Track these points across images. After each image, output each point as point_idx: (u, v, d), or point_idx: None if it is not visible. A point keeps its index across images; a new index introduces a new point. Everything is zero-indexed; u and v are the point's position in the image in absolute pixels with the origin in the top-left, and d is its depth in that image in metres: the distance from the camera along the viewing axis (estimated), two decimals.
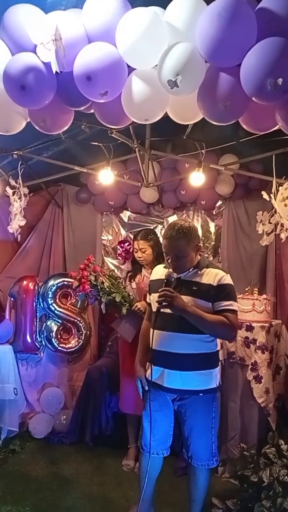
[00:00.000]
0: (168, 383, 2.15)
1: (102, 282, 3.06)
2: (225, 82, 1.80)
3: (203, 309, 2.06)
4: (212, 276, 2.12)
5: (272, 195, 2.85)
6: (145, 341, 2.27)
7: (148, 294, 2.36)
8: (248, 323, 2.99)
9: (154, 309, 2.16)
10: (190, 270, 2.16)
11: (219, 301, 2.08)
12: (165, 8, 1.86)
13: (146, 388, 2.25)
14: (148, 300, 2.36)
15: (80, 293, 3.15)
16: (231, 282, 2.15)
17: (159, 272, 2.27)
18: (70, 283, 3.51)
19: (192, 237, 2.12)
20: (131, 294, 3.16)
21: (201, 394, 2.15)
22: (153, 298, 2.20)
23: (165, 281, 2.11)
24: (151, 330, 2.15)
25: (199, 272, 2.14)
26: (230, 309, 2.08)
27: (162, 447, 2.28)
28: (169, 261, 2.16)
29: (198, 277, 2.13)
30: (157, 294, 2.06)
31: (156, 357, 2.15)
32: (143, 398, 2.30)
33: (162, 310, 2.06)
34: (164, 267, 2.26)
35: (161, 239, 3.76)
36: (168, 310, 2.06)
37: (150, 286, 2.32)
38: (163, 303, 2.02)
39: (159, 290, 2.06)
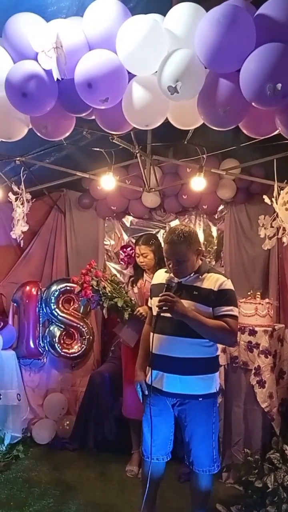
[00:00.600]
0: (167, 387, 2.15)
1: (104, 287, 3.06)
2: (225, 88, 1.81)
3: (204, 314, 2.07)
4: (213, 281, 2.12)
5: (273, 199, 2.85)
6: (146, 345, 2.27)
7: (149, 298, 2.36)
8: (251, 327, 2.99)
9: (154, 313, 2.17)
10: (191, 275, 2.16)
11: (220, 306, 2.09)
12: (164, 15, 1.87)
13: (146, 392, 2.24)
14: (149, 304, 2.37)
15: (82, 298, 3.16)
16: (232, 287, 2.15)
17: (160, 276, 2.28)
18: (73, 288, 3.52)
19: (193, 242, 2.13)
20: (133, 298, 3.16)
21: (201, 399, 2.15)
22: (154, 302, 2.21)
23: (165, 285, 2.12)
24: (151, 334, 2.15)
25: (200, 277, 2.15)
26: (231, 315, 2.08)
27: (162, 453, 2.27)
28: (170, 265, 2.16)
29: (199, 282, 2.14)
30: (158, 299, 2.06)
31: (155, 361, 2.15)
32: (143, 403, 2.29)
33: (162, 314, 2.07)
34: (166, 271, 2.27)
35: (163, 244, 3.79)
36: (168, 314, 2.06)
37: (151, 290, 2.33)
38: (164, 308, 2.02)
39: (160, 294, 2.07)
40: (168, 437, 2.28)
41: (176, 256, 2.12)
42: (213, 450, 2.21)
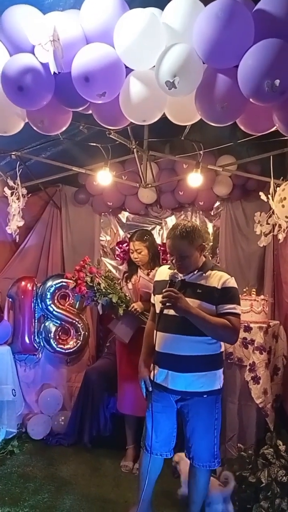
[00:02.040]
0: (172, 385, 2.15)
1: (99, 283, 3.06)
2: (223, 83, 1.81)
3: (208, 311, 2.06)
4: (216, 278, 2.12)
5: (269, 196, 2.85)
6: (149, 341, 2.27)
7: (152, 295, 2.35)
8: (246, 324, 2.99)
9: (158, 310, 2.16)
10: (195, 272, 2.16)
11: (223, 304, 2.08)
12: (162, 9, 1.86)
13: (150, 389, 2.24)
14: (152, 301, 2.35)
15: (77, 294, 3.15)
16: (235, 285, 2.15)
17: (164, 273, 2.26)
18: (68, 284, 3.51)
19: (196, 237, 2.12)
20: (127, 294, 3.16)
21: (205, 396, 2.15)
22: (157, 299, 2.20)
23: (169, 281, 2.11)
24: (155, 331, 2.15)
25: (204, 274, 2.14)
26: (233, 313, 2.08)
27: (165, 449, 2.27)
28: (173, 261, 2.16)
29: (203, 280, 2.13)
30: (161, 295, 2.06)
31: (160, 359, 2.16)
32: (147, 399, 2.29)
33: (165, 312, 2.07)
34: (169, 267, 2.25)
35: (157, 240, 3.80)
36: (171, 312, 2.06)
37: (154, 287, 2.32)
38: (167, 304, 2.02)
39: (163, 290, 2.06)
40: (171, 434, 2.28)
41: (178, 251, 2.11)
42: (214, 446, 2.22)
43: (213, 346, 2.15)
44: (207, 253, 4.03)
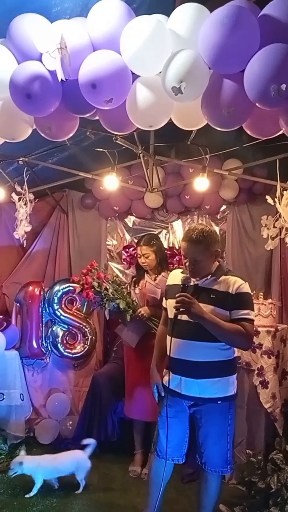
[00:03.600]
0: (186, 391, 2.13)
1: (106, 289, 3.06)
2: (229, 89, 1.81)
3: (221, 317, 2.04)
4: (230, 284, 2.10)
5: (276, 200, 2.85)
6: (161, 346, 2.26)
7: (164, 299, 2.34)
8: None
9: (170, 315, 2.15)
10: (208, 277, 2.14)
11: (237, 310, 2.06)
12: (168, 16, 1.88)
13: (162, 394, 2.23)
14: (164, 305, 2.34)
15: (84, 298, 3.16)
16: (249, 290, 2.14)
17: (177, 277, 2.23)
18: (75, 288, 3.52)
19: (212, 242, 2.10)
20: (134, 299, 3.16)
21: (220, 402, 2.13)
22: (170, 304, 2.19)
23: (181, 286, 2.10)
24: (168, 337, 2.14)
25: (217, 279, 2.12)
26: (247, 318, 2.06)
27: (177, 454, 2.25)
28: (186, 264, 2.14)
29: (217, 285, 2.11)
30: (174, 300, 2.04)
31: (173, 365, 2.15)
32: (159, 404, 2.28)
33: (179, 317, 2.06)
34: (182, 272, 2.23)
35: (164, 244, 3.80)
36: (185, 318, 2.05)
37: (166, 291, 2.30)
38: (181, 309, 2.01)
39: (176, 295, 2.04)
40: (183, 439, 2.26)
41: (192, 255, 2.09)
42: (227, 452, 2.20)
43: (226, 352, 2.13)
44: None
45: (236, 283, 2.09)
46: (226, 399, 2.15)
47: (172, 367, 2.15)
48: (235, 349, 2.21)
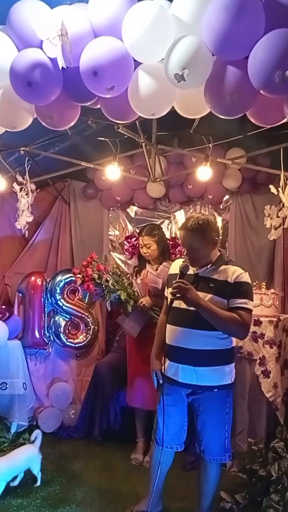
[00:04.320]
0: (182, 378, 2.15)
1: (107, 280, 3.06)
2: (233, 75, 1.78)
3: (219, 305, 2.05)
4: (230, 273, 2.11)
5: (280, 189, 2.83)
6: (161, 335, 2.28)
7: (166, 288, 2.35)
8: (256, 318, 2.98)
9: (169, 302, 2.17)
10: (208, 266, 2.15)
11: (234, 298, 2.07)
12: (171, 1, 1.84)
13: (161, 381, 2.25)
14: (165, 294, 2.35)
15: (85, 290, 3.16)
16: (248, 280, 2.14)
17: (178, 266, 2.23)
18: (76, 280, 3.52)
19: (208, 230, 2.12)
20: (136, 290, 3.16)
21: (216, 390, 2.15)
22: (168, 292, 2.20)
23: (179, 273, 2.11)
24: (167, 325, 2.16)
25: (217, 269, 2.14)
26: (244, 307, 2.07)
27: (176, 442, 2.28)
28: (184, 253, 2.18)
29: (216, 274, 2.13)
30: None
31: (171, 352, 2.16)
32: (158, 392, 2.30)
33: (177, 305, 2.08)
34: (184, 261, 2.24)
35: (166, 234, 3.79)
36: (183, 306, 2.06)
37: (168, 280, 2.32)
38: (176, 295, 2.02)
39: (173, 282, 2.06)
40: (182, 427, 2.29)
41: (189, 243, 2.12)
42: (226, 440, 2.22)
43: (224, 341, 2.14)
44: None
45: (235, 273, 2.10)
46: (223, 387, 2.17)
47: (169, 354, 2.16)
48: (233, 338, 2.22)
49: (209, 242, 2.13)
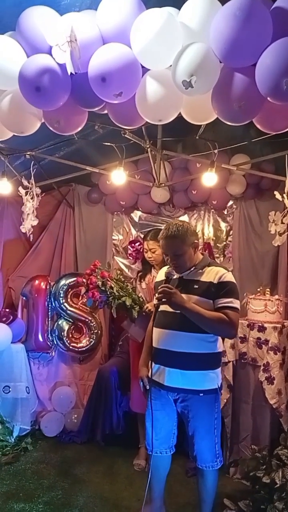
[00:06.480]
0: (168, 381, 2.16)
1: (111, 287, 3.06)
2: (240, 82, 1.79)
3: (205, 306, 2.07)
4: (213, 274, 2.14)
5: (284, 195, 2.83)
6: (150, 341, 2.28)
7: (154, 295, 2.37)
8: (260, 324, 2.98)
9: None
10: (192, 269, 2.19)
11: (219, 298, 2.09)
12: (179, 9, 1.85)
13: (148, 387, 2.25)
14: (153, 302, 2.37)
15: (89, 298, 3.17)
16: (232, 279, 2.16)
17: (163, 272, 2.29)
18: (80, 289, 3.52)
19: (188, 235, 2.15)
20: (140, 295, 3.16)
21: (201, 394, 2.15)
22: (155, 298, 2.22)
23: (165, 278, 2.15)
24: (154, 328, 2.17)
25: (200, 271, 2.17)
26: (230, 306, 2.08)
27: (165, 446, 2.28)
28: (168, 260, 2.20)
29: (200, 276, 2.16)
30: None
31: (157, 355, 2.17)
32: (146, 397, 2.31)
33: (164, 308, 2.11)
34: (168, 268, 2.28)
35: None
36: (170, 309, 2.08)
37: (154, 287, 2.35)
38: (162, 300, 2.04)
39: (159, 287, 2.09)
40: (171, 431, 2.29)
41: (172, 250, 2.16)
42: (215, 445, 2.22)
43: (211, 345, 2.15)
44: (219, 252, 4.02)
45: (218, 273, 2.13)
46: (210, 392, 2.16)
47: (157, 357, 2.17)
48: (220, 343, 2.23)
49: (190, 246, 2.16)
